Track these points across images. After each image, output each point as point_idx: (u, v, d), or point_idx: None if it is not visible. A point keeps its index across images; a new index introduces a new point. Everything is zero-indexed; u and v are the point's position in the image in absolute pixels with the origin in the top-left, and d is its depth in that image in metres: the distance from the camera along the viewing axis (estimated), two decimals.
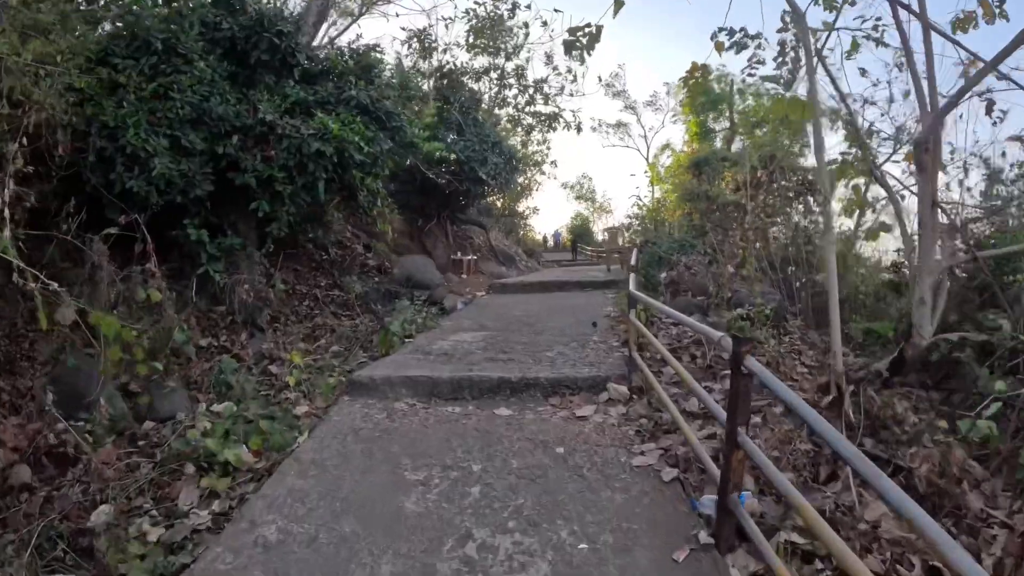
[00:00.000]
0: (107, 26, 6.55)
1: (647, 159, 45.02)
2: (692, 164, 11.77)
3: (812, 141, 5.44)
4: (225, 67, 7.04)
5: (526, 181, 32.91)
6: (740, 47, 5.06)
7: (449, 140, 12.02)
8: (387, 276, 10.86)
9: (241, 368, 5.70)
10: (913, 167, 4.60)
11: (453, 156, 11.74)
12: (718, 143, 22.20)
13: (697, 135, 21.44)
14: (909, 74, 4.37)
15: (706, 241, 8.37)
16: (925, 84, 4.18)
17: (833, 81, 5.10)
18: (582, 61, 12.46)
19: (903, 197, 5.47)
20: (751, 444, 2.35)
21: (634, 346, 4.89)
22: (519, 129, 15.62)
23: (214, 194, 6.49)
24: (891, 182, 5.43)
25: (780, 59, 5.45)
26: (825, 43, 4.66)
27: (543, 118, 15.43)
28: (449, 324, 7.46)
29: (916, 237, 4.39)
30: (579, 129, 15.03)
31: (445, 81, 12.77)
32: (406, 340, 6.38)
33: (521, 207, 33.76)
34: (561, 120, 15.28)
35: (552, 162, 33.30)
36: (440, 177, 11.62)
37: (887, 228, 5.61)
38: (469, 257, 12.89)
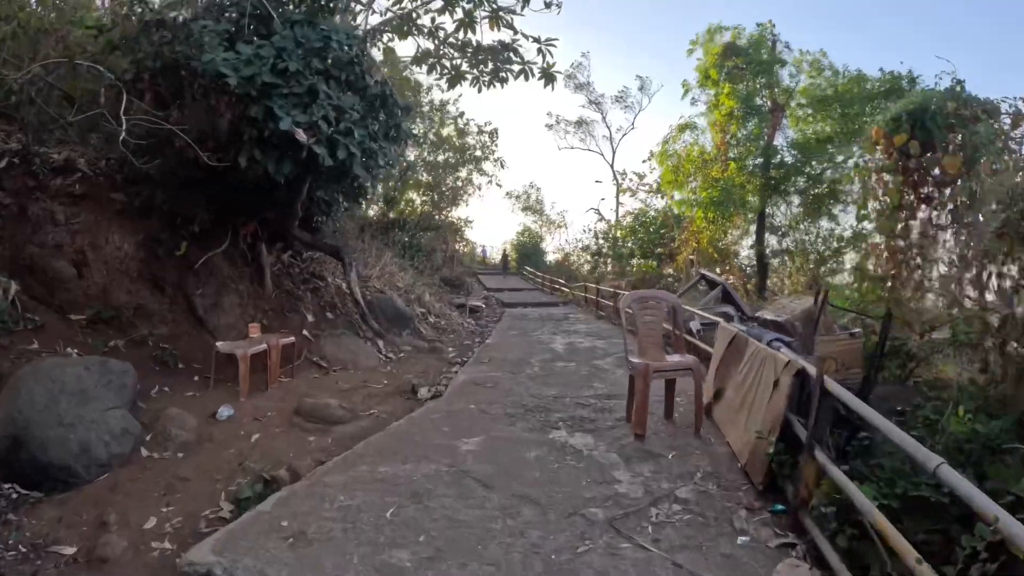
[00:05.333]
0: None
1: (612, 165, 39.71)
2: (905, 117, 4.51)
3: None
4: None
5: (459, 182, 24.96)
6: None
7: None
8: None
9: None
10: None
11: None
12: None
13: (733, 113, 14.30)
14: None
15: None
16: None
17: None
18: None
19: None
20: None
21: None
22: (436, 75, 7.86)
23: None
24: None
25: None
26: None
27: (481, 58, 7.71)
28: None
29: None
30: (550, 79, 7.40)
31: None
32: None
33: (453, 215, 25.90)
34: (516, 61, 7.53)
35: (498, 160, 25.65)
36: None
37: None
38: (277, 341, 5.10)
